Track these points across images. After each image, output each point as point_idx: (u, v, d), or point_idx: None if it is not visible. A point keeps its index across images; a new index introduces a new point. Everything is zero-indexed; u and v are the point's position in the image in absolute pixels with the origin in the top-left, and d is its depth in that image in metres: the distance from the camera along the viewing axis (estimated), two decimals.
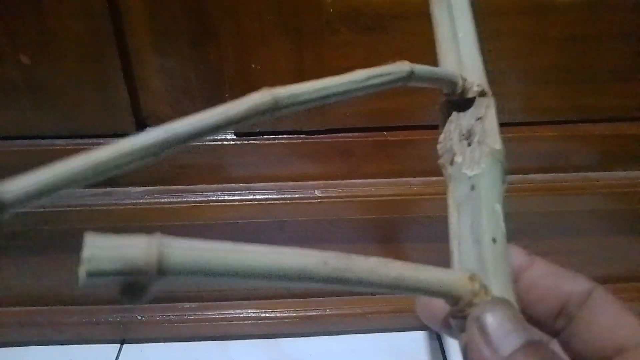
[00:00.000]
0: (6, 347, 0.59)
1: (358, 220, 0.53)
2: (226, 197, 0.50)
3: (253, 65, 0.43)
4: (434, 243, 0.56)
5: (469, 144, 0.24)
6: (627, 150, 0.51)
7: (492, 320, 0.19)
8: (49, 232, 0.52)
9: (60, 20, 0.41)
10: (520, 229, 0.55)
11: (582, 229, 0.56)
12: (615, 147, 0.51)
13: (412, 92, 0.46)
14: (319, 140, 0.48)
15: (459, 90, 0.24)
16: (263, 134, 0.48)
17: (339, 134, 0.48)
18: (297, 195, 0.50)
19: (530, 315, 0.26)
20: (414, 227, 0.54)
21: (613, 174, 0.52)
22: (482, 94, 0.25)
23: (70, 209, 0.49)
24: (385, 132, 0.49)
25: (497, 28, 0.43)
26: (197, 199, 0.50)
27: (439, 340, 0.60)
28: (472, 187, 0.23)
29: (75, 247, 0.52)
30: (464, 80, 0.24)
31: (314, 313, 0.59)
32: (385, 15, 0.42)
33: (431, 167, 0.51)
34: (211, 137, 0.48)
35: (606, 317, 0.24)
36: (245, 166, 0.49)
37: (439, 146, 0.25)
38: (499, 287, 0.21)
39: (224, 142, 0.48)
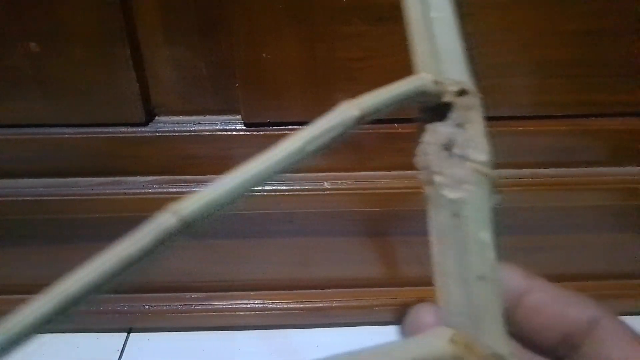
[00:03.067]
0: None
1: (367, 212, 0.52)
2: None
3: (264, 55, 0.43)
4: None
5: (449, 157, 0.20)
6: (638, 146, 0.51)
7: None
8: (57, 221, 0.52)
9: (70, 8, 0.41)
10: (529, 223, 0.55)
11: (593, 225, 0.55)
12: (626, 142, 0.50)
13: None
14: None
15: (433, 96, 0.20)
16: (272, 124, 0.48)
17: None
18: (306, 187, 0.50)
19: (532, 342, 0.24)
20: (423, 220, 0.54)
21: (624, 170, 0.51)
22: (461, 92, 0.20)
23: (78, 198, 0.49)
24: (396, 125, 0.48)
25: (508, 20, 0.43)
26: None
27: None
28: (456, 214, 0.19)
29: (82, 236, 0.52)
30: (438, 83, 0.20)
31: (321, 305, 0.59)
32: (398, 5, 0.41)
33: None
34: (220, 127, 0.48)
35: (616, 349, 0.22)
36: (254, 157, 0.49)
37: (416, 160, 0.21)
38: (491, 335, 0.18)
39: (233, 133, 0.48)
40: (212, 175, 0.50)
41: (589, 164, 0.52)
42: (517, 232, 0.56)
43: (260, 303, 0.59)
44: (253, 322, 0.60)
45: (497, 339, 0.18)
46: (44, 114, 0.46)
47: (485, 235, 0.19)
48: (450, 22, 0.21)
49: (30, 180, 0.50)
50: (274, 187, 0.50)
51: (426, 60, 0.21)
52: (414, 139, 0.50)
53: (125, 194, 0.49)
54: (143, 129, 0.47)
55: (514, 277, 0.23)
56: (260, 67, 0.44)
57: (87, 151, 0.48)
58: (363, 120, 0.18)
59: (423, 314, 0.23)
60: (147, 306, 0.58)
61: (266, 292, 0.59)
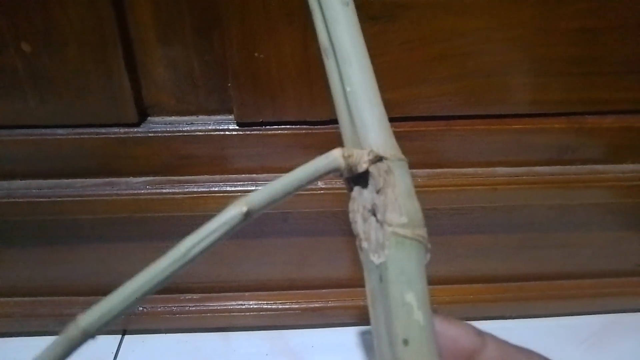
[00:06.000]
0: (8, 337, 0.58)
1: None
2: (229, 188, 0.49)
3: (257, 55, 0.43)
4: (439, 236, 0.55)
5: (377, 221, 0.20)
6: (636, 143, 0.50)
7: None
8: (51, 222, 0.51)
9: (62, 7, 0.40)
10: (527, 222, 0.55)
11: (590, 223, 0.55)
12: (624, 140, 0.50)
13: (418, 83, 0.46)
14: (323, 131, 0.48)
15: (346, 170, 0.21)
16: (266, 124, 0.47)
17: None
18: None
19: None
20: None
21: (622, 167, 0.51)
22: (376, 159, 0.21)
23: (72, 199, 0.49)
24: (390, 123, 0.48)
25: (507, 18, 0.42)
26: (200, 190, 0.49)
27: None
28: (381, 278, 0.20)
29: (77, 237, 0.52)
30: (348, 157, 0.21)
31: (316, 305, 0.59)
32: (393, 4, 0.41)
33: (436, 159, 0.50)
34: (213, 127, 0.47)
35: None
36: (249, 157, 0.49)
37: (352, 227, 0.22)
38: None
39: (227, 133, 0.47)
40: (206, 176, 0.50)
41: (586, 161, 0.51)
42: (513, 230, 0.56)
43: (256, 304, 0.58)
44: (248, 323, 0.59)
45: None
46: (36, 114, 0.46)
47: (409, 296, 0.19)
48: (367, 94, 0.22)
49: (23, 181, 0.49)
50: None
51: (346, 129, 0.23)
52: (411, 137, 0.50)
53: (118, 195, 0.49)
54: (136, 130, 0.47)
55: (466, 335, 0.24)
56: (253, 66, 0.43)
57: (80, 152, 0.48)
58: (253, 214, 0.19)
59: None
60: (141, 308, 0.58)
61: (261, 292, 0.58)
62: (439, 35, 0.43)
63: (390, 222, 0.20)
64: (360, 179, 0.21)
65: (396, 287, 0.20)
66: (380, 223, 0.20)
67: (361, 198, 0.21)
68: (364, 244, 0.21)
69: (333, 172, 0.20)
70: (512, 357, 0.23)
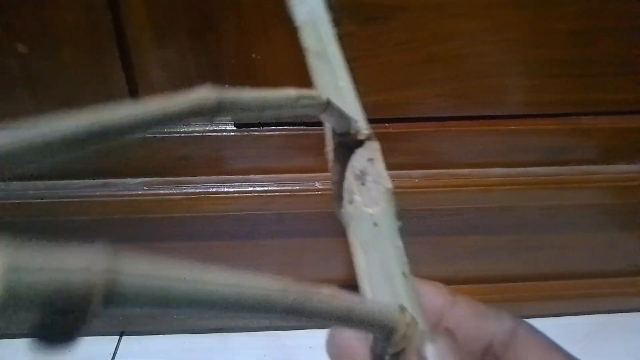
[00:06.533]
0: (6, 339, 0.58)
1: None
2: (225, 189, 0.49)
3: (253, 56, 0.43)
4: (434, 236, 0.55)
5: (362, 184, 0.25)
6: (629, 144, 0.51)
7: (435, 351, 0.19)
8: (47, 223, 0.51)
9: (58, 9, 0.40)
10: (521, 222, 0.55)
11: (584, 223, 0.56)
12: (617, 141, 0.51)
13: (413, 84, 0.46)
14: (319, 132, 0.48)
15: (353, 132, 0.25)
16: (263, 125, 0.47)
17: None
18: (297, 188, 0.50)
19: None
20: (414, 220, 0.54)
21: (615, 168, 0.52)
22: (369, 137, 0.26)
23: (68, 200, 0.49)
24: (386, 124, 0.48)
25: (501, 20, 0.43)
26: (196, 191, 0.49)
27: None
28: (375, 224, 0.23)
29: (73, 239, 0.52)
30: (355, 122, 0.26)
31: None
32: (388, 6, 0.41)
33: (432, 160, 0.51)
34: (210, 128, 0.47)
35: (533, 357, 0.23)
36: (245, 158, 0.49)
37: (333, 187, 0.26)
38: (419, 321, 0.20)
39: (224, 134, 0.48)
40: (202, 177, 0.50)
41: (579, 162, 0.52)
42: (508, 231, 0.56)
43: None
44: (246, 324, 0.59)
45: (425, 326, 0.21)
46: (32, 115, 0.46)
47: (399, 242, 0.23)
48: (353, 89, 0.28)
49: (20, 183, 0.49)
50: (265, 188, 0.49)
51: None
52: (405, 138, 0.50)
53: (114, 195, 0.49)
54: None
55: (438, 294, 0.25)
56: (250, 67, 0.43)
57: None
58: (220, 109, 0.20)
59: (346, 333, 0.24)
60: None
61: None
62: (433, 37, 0.43)
63: (383, 184, 0.24)
64: (350, 146, 0.26)
65: (390, 231, 0.23)
66: (375, 182, 0.24)
67: (351, 163, 0.26)
68: (357, 198, 0.24)
69: (347, 124, 0.25)
70: (482, 313, 0.25)
